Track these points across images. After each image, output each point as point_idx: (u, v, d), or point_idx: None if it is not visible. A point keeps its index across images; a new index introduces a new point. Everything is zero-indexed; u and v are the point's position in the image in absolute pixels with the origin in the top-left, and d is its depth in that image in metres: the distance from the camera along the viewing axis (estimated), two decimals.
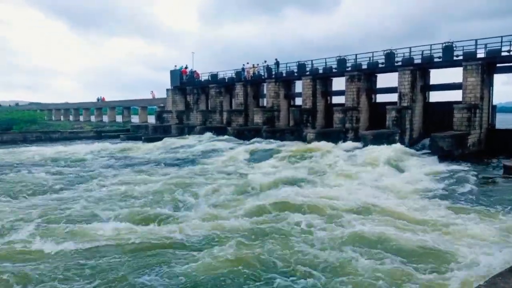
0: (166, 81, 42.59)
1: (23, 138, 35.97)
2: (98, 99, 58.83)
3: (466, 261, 7.09)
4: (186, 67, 41.44)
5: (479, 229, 8.82)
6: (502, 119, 29.18)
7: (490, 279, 3.09)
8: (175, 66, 41.85)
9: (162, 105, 44.11)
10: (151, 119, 47.83)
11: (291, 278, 6.67)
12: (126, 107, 52.73)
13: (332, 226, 9.11)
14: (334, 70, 28.42)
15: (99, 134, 39.87)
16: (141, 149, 26.08)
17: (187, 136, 32.24)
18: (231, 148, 24.18)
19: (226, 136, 29.39)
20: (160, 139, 30.78)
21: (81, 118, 60.57)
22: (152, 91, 48.00)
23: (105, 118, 55.77)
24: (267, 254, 7.53)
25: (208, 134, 30.87)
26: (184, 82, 41.01)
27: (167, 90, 42.41)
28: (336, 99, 30.06)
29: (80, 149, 25.49)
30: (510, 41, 20.22)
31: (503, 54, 20.60)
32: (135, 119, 52.36)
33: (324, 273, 6.83)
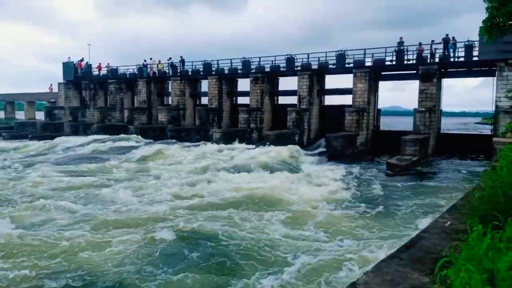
0: (61, 75, 38.70)
1: None
2: None
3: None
4: (81, 60, 38.27)
5: (352, 219, 9.74)
6: (385, 122, 32.90)
7: (376, 264, 3.40)
8: (69, 58, 38.44)
9: (53, 100, 39.95)
10: (40, 116, 42.99)
11: None
12: (9, 101, 46.60)
13: None
14: (239, 71, 28.97)
15: None
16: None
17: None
18: None
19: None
20: (51, 137, 27.98)
21: None
22: (51, 85, 42.97)
23: None
24: None
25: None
26: (79, 76, 37.82)
27: (59, 84, 38.56)
28: (241, 100, 30.73)
29: None
30: (392, 52, 22.96)
31: (387, 63, 23.29)
32: (20, 115, 46.55)
33: None
